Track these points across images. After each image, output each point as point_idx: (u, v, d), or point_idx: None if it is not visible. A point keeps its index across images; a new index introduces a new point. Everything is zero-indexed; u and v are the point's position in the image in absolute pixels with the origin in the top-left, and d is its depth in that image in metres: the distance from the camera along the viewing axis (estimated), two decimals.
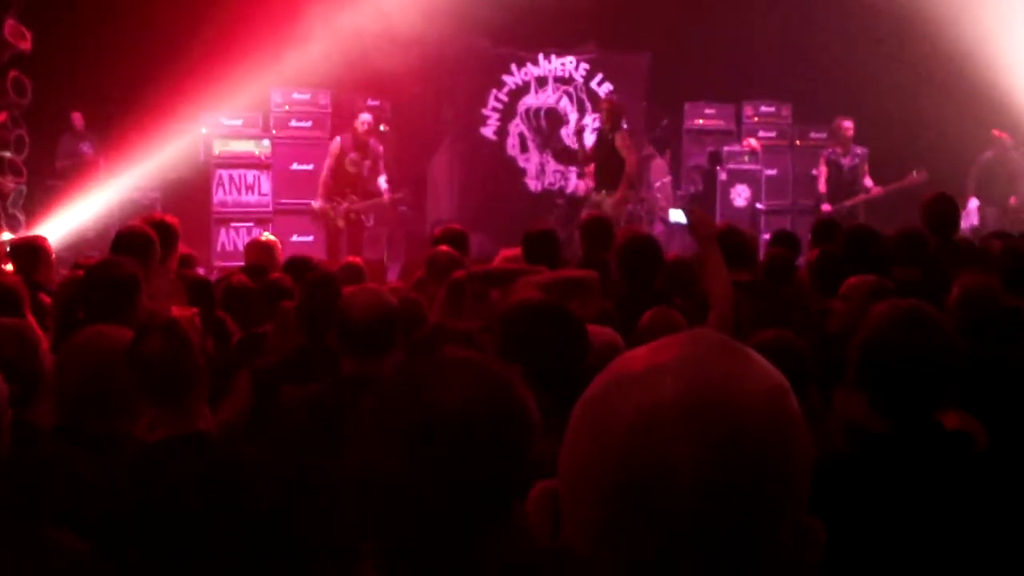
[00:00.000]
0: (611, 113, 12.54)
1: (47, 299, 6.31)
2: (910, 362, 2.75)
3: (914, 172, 12.89)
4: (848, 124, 13.27)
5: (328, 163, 12.61)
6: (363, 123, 12.62)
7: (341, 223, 12.58)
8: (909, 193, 12.48)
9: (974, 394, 3.37)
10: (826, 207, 12.93)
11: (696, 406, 1.09)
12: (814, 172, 13.88)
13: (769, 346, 3.43)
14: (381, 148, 12.78)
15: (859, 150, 13.28)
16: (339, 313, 4.23)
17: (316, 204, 12.69)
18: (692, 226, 5.09)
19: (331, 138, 13.15)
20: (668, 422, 1.09)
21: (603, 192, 12.27)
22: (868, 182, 13.14)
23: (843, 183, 13.18)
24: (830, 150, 13.47)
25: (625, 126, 12.64)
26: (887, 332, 2.78)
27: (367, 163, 12.56)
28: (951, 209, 7.14)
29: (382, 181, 12.60)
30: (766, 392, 1.13)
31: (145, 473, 3.25)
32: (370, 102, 14.36)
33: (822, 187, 13.30)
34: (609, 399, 1.13)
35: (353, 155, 12.53)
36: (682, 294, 6.04)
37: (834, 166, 13.26)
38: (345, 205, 12.50)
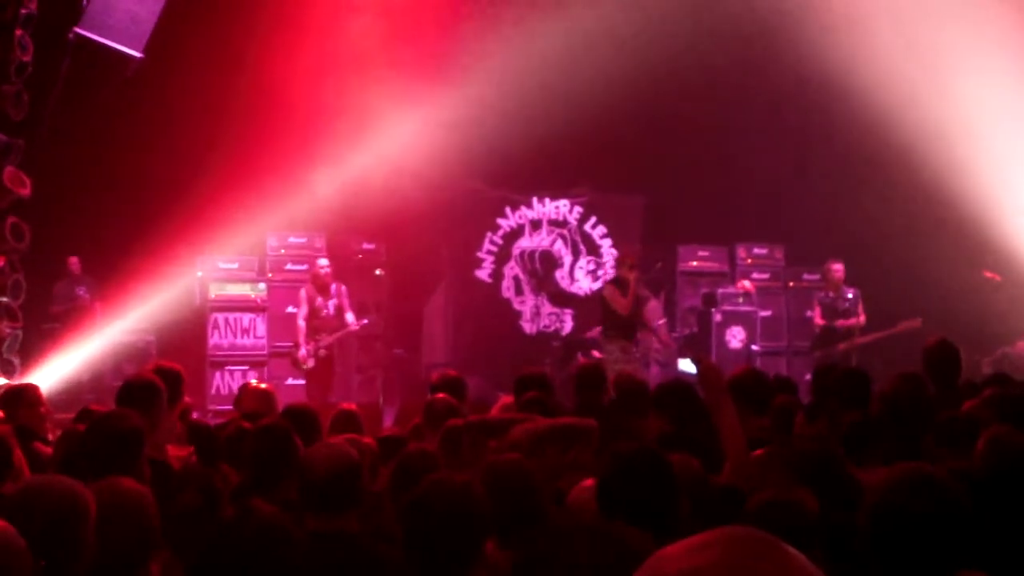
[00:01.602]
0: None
1: (40, 447, 6.25)
2: (914, 532, 2.69)
3: (907, 319, 12.92)
4: (838, 267, 13.30)
5: (303, 312, 12.71)
6: (321, 268, 12.87)
7: (311, 363, 12.62)
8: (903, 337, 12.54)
9: (993, 552, 3.29)
10: (837, 324, 12.95)
11: None
12: (808, 313, 13.92)
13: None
14: (344, 287, 12.90)
15: (850, 293, 13.29)
16: (300, 469, 4.13)
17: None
18: (702, 379, 4.99)
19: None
20: None
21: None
22: (862, 319, 13.12)
23: (837, 326, 13.15)
24: (823, 293, 13.51)
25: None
26: (891, 499, 2.73)
27: (332, 303, 12.69)
28: (952, 355, 6.86)
29: (349, 316, 12.71)
30: None
31: None
32: (365, 245, 14.47)
33: (819, 320, 13.27)
34: None
35: (319, 300, 12.65)
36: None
37: (828, 308, 13.27)
38: (311, 345, 12.56)
